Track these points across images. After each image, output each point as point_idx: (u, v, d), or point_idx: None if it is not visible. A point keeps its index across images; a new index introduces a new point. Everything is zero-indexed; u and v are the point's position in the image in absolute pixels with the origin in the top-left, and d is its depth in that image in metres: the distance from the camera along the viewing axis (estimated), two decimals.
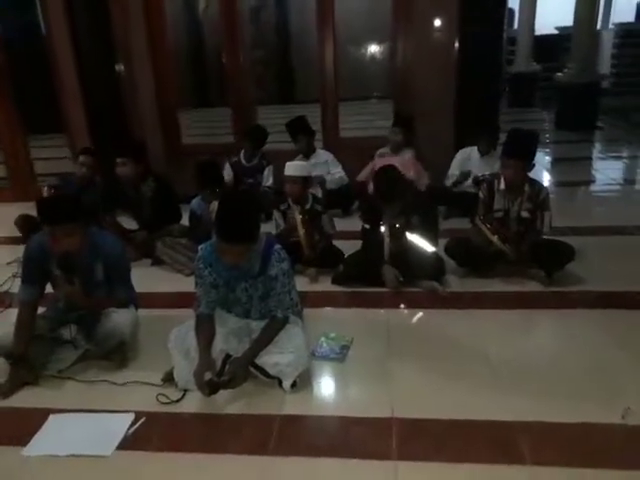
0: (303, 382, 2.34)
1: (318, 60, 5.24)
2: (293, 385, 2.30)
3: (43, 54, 5.18)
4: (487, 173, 4.14)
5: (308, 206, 3.48)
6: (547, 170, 6.30)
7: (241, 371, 2.28)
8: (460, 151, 4.51)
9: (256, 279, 2.38)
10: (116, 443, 2.07)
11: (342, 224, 3.89)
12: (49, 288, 2.61)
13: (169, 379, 2.38)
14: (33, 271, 2.50)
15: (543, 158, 6.73)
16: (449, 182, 4.46)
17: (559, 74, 8.48)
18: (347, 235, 3.68)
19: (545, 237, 3.27)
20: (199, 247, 2.44)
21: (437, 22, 4.75)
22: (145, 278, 3.20)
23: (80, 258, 2.47)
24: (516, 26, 10.92)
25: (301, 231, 3.42)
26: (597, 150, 7.54)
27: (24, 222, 4.20)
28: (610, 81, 11.15)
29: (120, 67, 5.10)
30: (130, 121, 5.17)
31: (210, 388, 2.19)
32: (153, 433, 2.13)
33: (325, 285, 3.37)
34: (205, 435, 2.13)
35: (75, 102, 5.11)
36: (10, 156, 5.69)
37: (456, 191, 4.40)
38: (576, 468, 1.85)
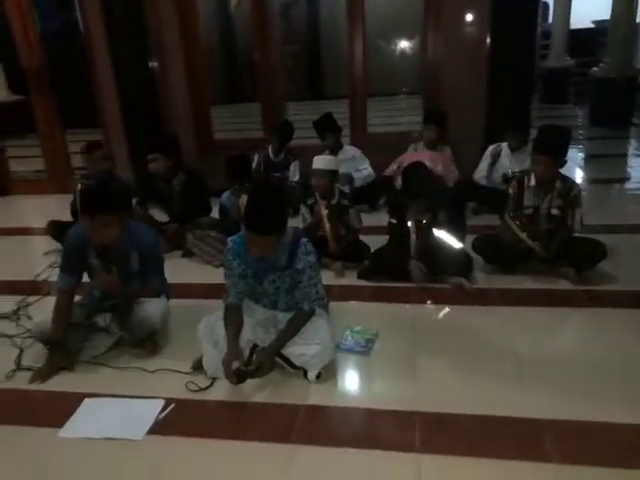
0: (328, 373, 2.37)
1: (348, 55, 5.24)
2: (318, 376, 2.33)
3: (81, 51, 5.32)
4: (517, 169, 4.08)
5: (334, 201, 3.50)
6: (580, 167, 6.16)
7: (267, 361, 2.33)
8: (490, 147, 4.46)
9: (283, 272, 2.42)
10: (147, 428, 2.13)
11: (369, 219, 3.88)
12: (85, 278, 2.69)
13: (198, 367, 2.44)
14: (72, 260, 2.58)
15: (576, 155, 6.58)
16: (477, 176, 4.42)
17: (594, 69, 8.25)
18: (374, 230, 3.69)
19: (577, 235, 3.21)
20: (229, 239, 2.49)
21: (469, 16, 4.67)
22: (176, 269, 3.26)
23: (117, 248, 2.55)
24: (550, 20, 10.67)
25: (326, 225, 3.45)
26: (633, 147, 7.32)
27: (54, 229, 4.07)
28: None
29: (153, 63, 5.20)
30: (163, 116, 5.27)
31: (237, 377, 2.24)
32: (182, 419, 2.19)
33: (351, 279, 3.39)
34: (231, 422, 2.18)
35: (110, 97, 5.24)
36: (48, 150, 5.86)
37: (486, 187, 4.36)
38: (603, 467, 1.82)
